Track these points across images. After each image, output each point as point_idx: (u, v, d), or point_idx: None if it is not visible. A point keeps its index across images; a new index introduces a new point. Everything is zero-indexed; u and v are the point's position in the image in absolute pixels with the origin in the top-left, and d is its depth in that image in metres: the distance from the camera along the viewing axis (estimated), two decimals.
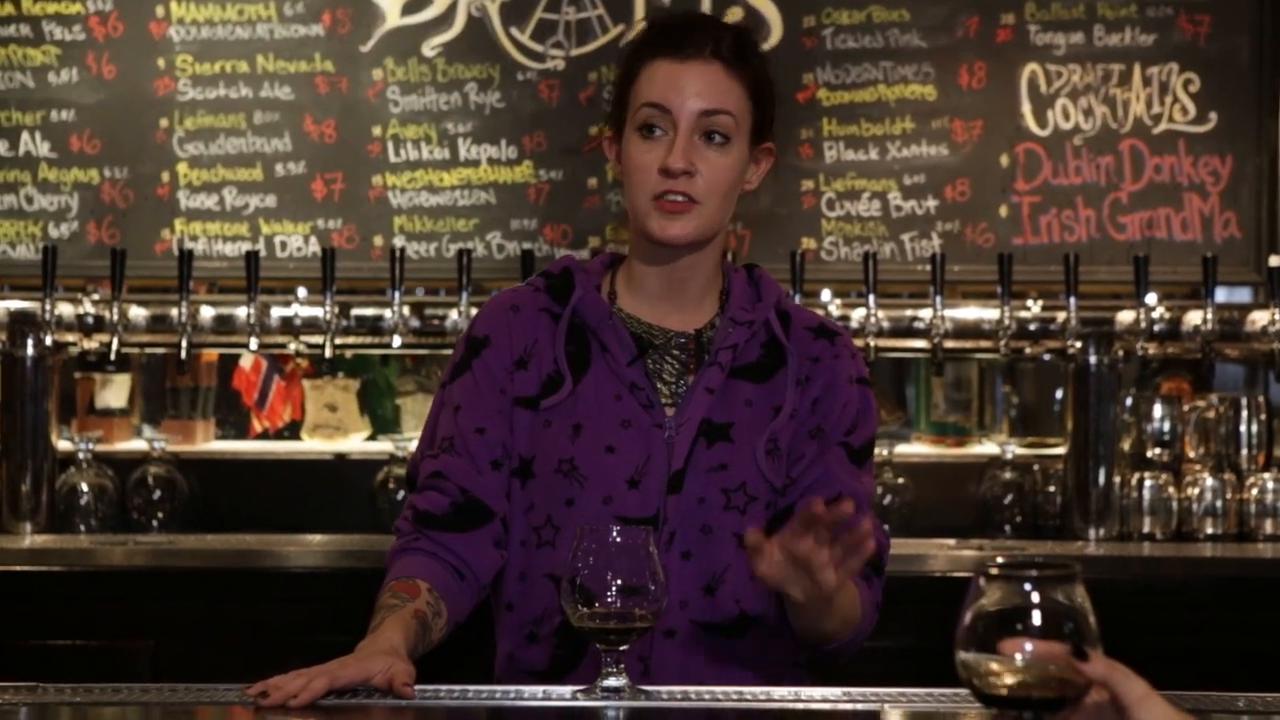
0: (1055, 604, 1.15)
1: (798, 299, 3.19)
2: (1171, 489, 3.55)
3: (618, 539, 1.95)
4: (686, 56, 2.17)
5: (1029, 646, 1.15)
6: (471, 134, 4.00)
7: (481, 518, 2.26)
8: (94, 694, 1.95)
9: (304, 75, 3.99)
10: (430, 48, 3.98)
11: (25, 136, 3.95)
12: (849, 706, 1.92)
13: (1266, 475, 3.51)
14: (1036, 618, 1.14)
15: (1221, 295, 3.74)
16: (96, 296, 3.60)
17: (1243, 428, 3.62)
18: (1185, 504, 3.56)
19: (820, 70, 3.99)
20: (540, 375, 2.29)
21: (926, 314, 3.57)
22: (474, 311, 2.90)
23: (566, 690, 2.00)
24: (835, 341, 2.30)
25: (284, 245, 3.96)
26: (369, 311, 3.63)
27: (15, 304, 3.66)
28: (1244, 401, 3.65)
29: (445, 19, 3.99)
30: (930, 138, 4.00)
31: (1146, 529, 3.53)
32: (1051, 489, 3.71)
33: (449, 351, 2.62)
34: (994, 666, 1.20)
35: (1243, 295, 3.96)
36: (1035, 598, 1.15)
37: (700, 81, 2.17)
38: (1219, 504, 3.53)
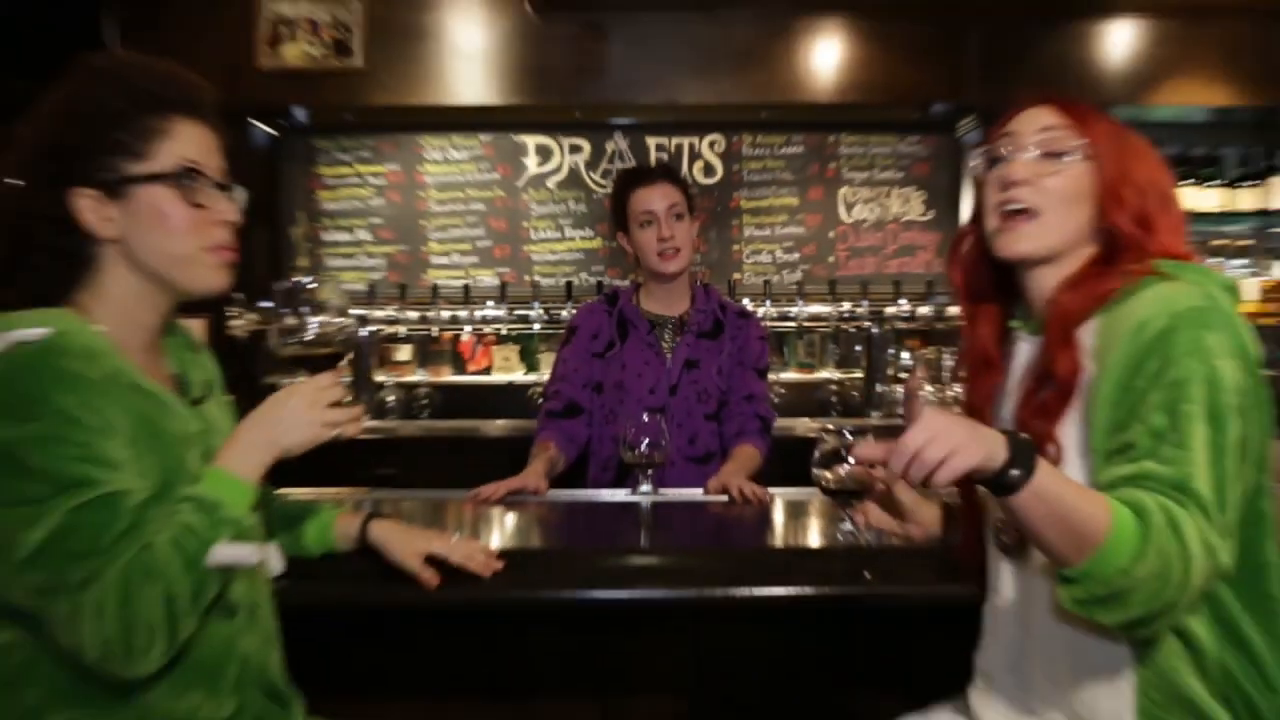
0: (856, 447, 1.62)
1: (730, 300, 3.30)
2: (915, 366, 4.53)
3: (645, 419, 2.53)
4: (654, 183, 2.97)
5: (845, 468, 1.83)
6: (571, 224, 5.29)
7: (577, 412, 2.98)
8: (374, 495, 2.69)
9: (489, 197, 5.26)
10: (551, 183, 5.25)
11: (359, 231, 5.26)
12: (768, 495, 2.60)
13: (956, 386, 3.99)
14: (847, 452, 1.84)
15: (937, 302, 4.83)
16: (393, 309, 4.79)
17: (945, 362, 4.55)
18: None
19: (741, 191, 5.28)
20: (603, 342, 3.02)
21: (794, 309, 4.78)
22: (573, 312, 3.45)
23: (622, 492, 2.68)
24: (749, 319, 3.07)
25: (479, 280, 5.21)
26: (523, 312, 4.76)
27: (355, 311, 4.04)
28: (946, 351, 4.59)
29: (558, 169, 5.25)
30: (794, 224, 5.30)
31: (900, 409, 4.55)
32: (854, 393, 4.88)
33: (562, 332, 3.36)
34: (828, 475, 1.86)
35: (943, 301, 4.82)
36: (846, 443, 1.85)
37: (665, 194, 2.95)
38: (929, 396, 3.94)
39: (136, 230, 1.58)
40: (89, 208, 1.55)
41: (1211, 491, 1.43)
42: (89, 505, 1.41)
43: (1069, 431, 1.58)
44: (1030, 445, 1.42)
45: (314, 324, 1.70)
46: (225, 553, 1.50)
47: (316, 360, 1.71)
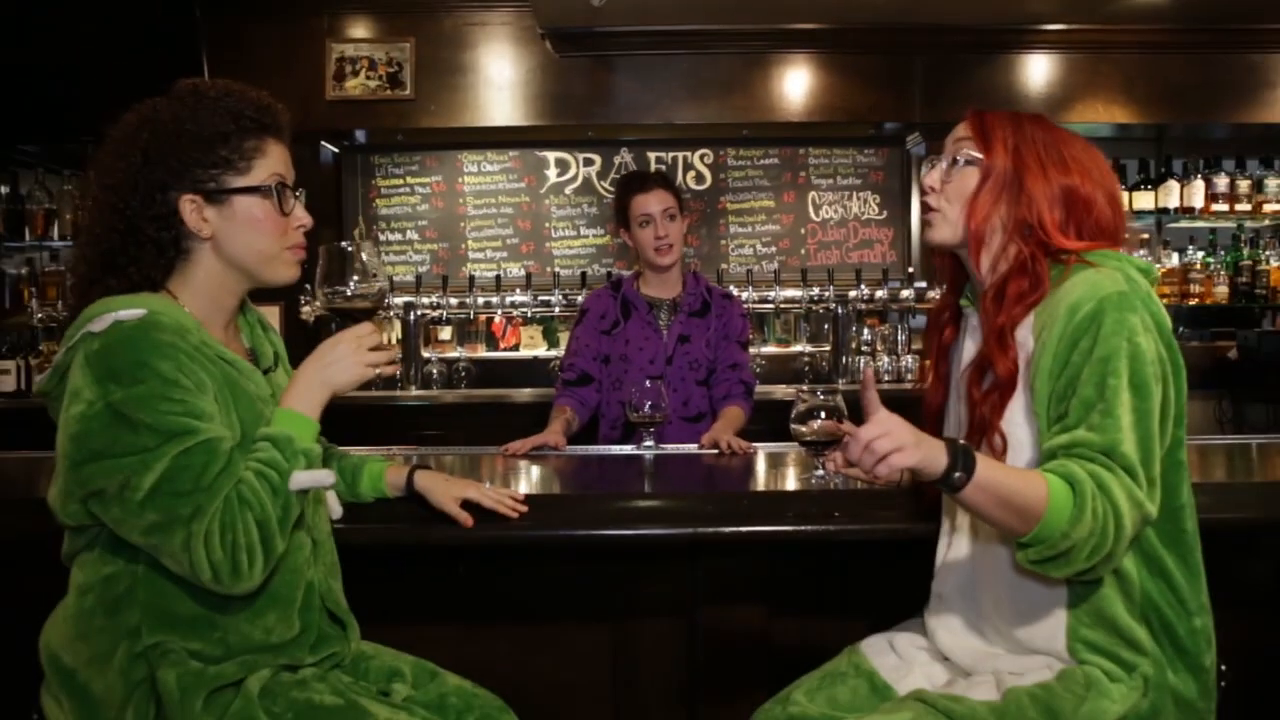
0: (829, 404, 1.91)
1: (715, 284, 3.25)
2: (868, 360, 4.73)
3: (647, 384, 2.59)
4: (650, 189, 2.98)
5: (817, 423, 1.91)
6: (585, 224, 5.27)
7: (589, 381, 3.02)
8: (420, 451, 2.69)
9: (518, 202, 5.24)
10: (569, 189, 5.24)
11: (409, 232, 5.25)
12: (753, 448, 2.61)
13: (908, 357, 4.70)
14: (821, 412, 1.91)
15: (891, 286, 4.75)
16: (436, 297, 4.73)
17: (900, 337, 4.78)
18: (873, 365, 4.70)
19: (726, 196, 5.25)
20: (609, 321, 3.06)
21: (772, 293, 4.71)
22: (585, 296, 3.45)
23: (628, 447, 2.72)
24: (732, 300, 3.12)
25: (509, 271, 5.17)
26: (545, 297, 4.71)
27: (404, 298, 4.67)
28: (899, 328, 4.80)
29: (574, 179, 5.23)
30: (772, 222, 5.28)
31: (860, 376, 4.06)
32: (824, 363, 4.84)
33: (575, 313, 3.48)
34: (804, 429, 1.93)
35: (896, 286, 4.76)
36: (819, 402, 1.91)
37: (660, 199, 2.97)
38: (885, 365, 4.75)
39: (230, 231, 1.60)
40: (191, 210, 1.57)
41: (1136, 451, 1.44)
42: (191, 450, 1.43)
43: (1018, 399, 1.57)
44: (969, 451, 1.45)
45: (353, 282, 1.69)
46: (303, 478, 1.52)
47: (356, 312, 1.70)
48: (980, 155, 1.63)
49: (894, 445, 1.42)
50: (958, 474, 1.42)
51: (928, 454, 1.43)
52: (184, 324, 1.51)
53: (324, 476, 1.55)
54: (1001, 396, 1.56)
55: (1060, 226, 1.58)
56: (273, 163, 1.62)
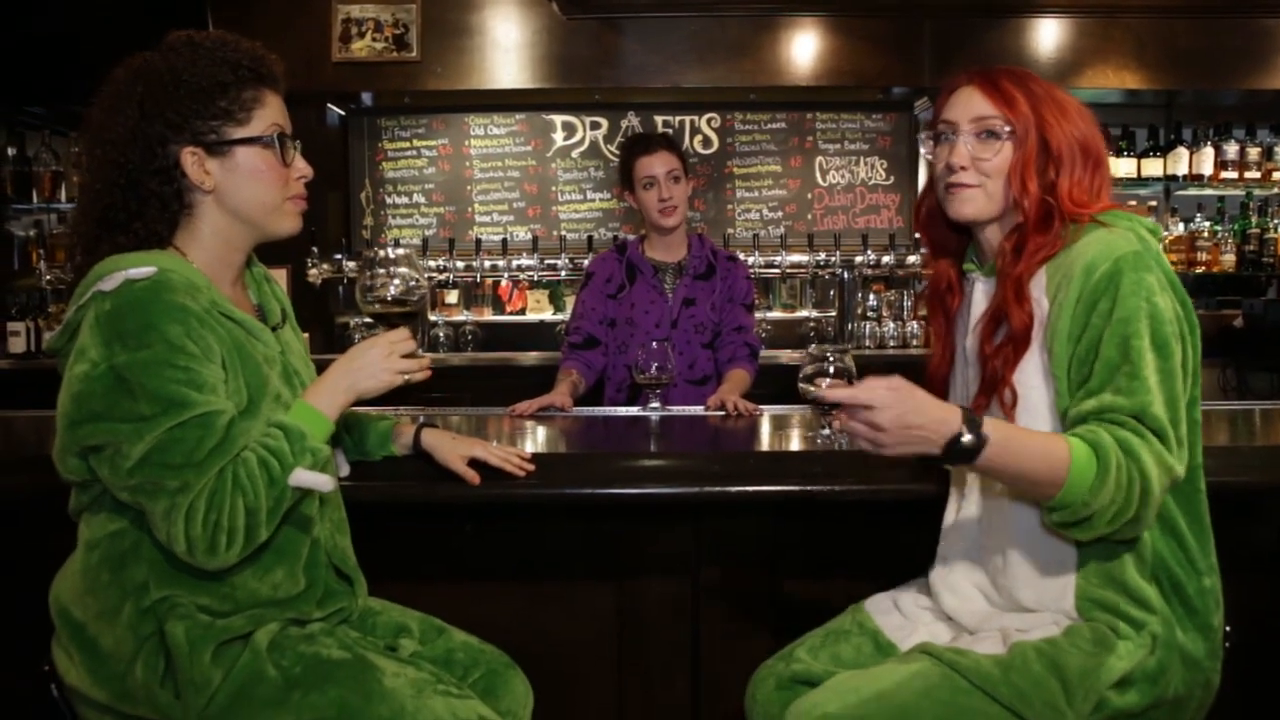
0: (839, 365, 1.89)
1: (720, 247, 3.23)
2: (873, 325, 4.77)
3: (653, 346, 2.59)
4: (654, 151, 2.95)
5: (826, 382, 1.85)
6: (592, 188, 5.25)
7: (595, 344, 3.03)
8: (427, 412, 2.69)
9: (525, 165, 5.21)
10: (575, 153, 5.22)
11: (415, 195, 5.23)
12: (757, 410, 2.60)
13: (914, 323, 4.72)
14: (831, 369, 1.88)
15: (898, 252, 4.77)
16: (443, 260, 4.75)
17: (906, 303, 4.80)
18: (879, 330, 4.76)
19: (733, 160, 5.22)
20: (615, 285, 3.06)
21: (778, 258, 4.75)
22: (590, 260, 3.30)
23: (634, 409, 2.72)
24: (736, 263, 3.11)
25: (515, 235, 5.17)
26: (552, 261, 4.77)
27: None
28: (905, 293, 4.80)
29: (581, 142, 5.21)
30: (779, 186, 5.24)
31: (866, 342, 4.72)
32: (829, 328, 4.83)
33: (581, 277, 3.37)
34: (812, 389, 1.90)
35: (903, 252, 4.78)
36: (829, 361, 1.89)
37: (664, 161, 2.94)
38: (891, 331, 4.77)
39: (232, 182, 1.58)
40: (192, 163, 1.55)
41: (1165, 411, 1.43)
42: (186, 424, 1.42)
43: (1032, 359, 1.55)
44: (975, 422, 1.43)
45: (392, 286, 1.68)
46: (303, 477, 1.50)
47: (392, 317, 1.70)
48: (1010, 126, 1.60)
49: (894, 442, 1.43)
50: (967, 438, 1.40)
51: (926, 449, 1.43)
52: (195, 282, 1.51)
53: (323, 481, 1.53)
54: (1015, 350, 1.55)
55: (1078, 189, 1.57)
56: (271, 113, 1.61)
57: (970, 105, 1.63)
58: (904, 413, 1.39)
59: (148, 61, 1.58)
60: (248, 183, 1.58)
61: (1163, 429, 1.42)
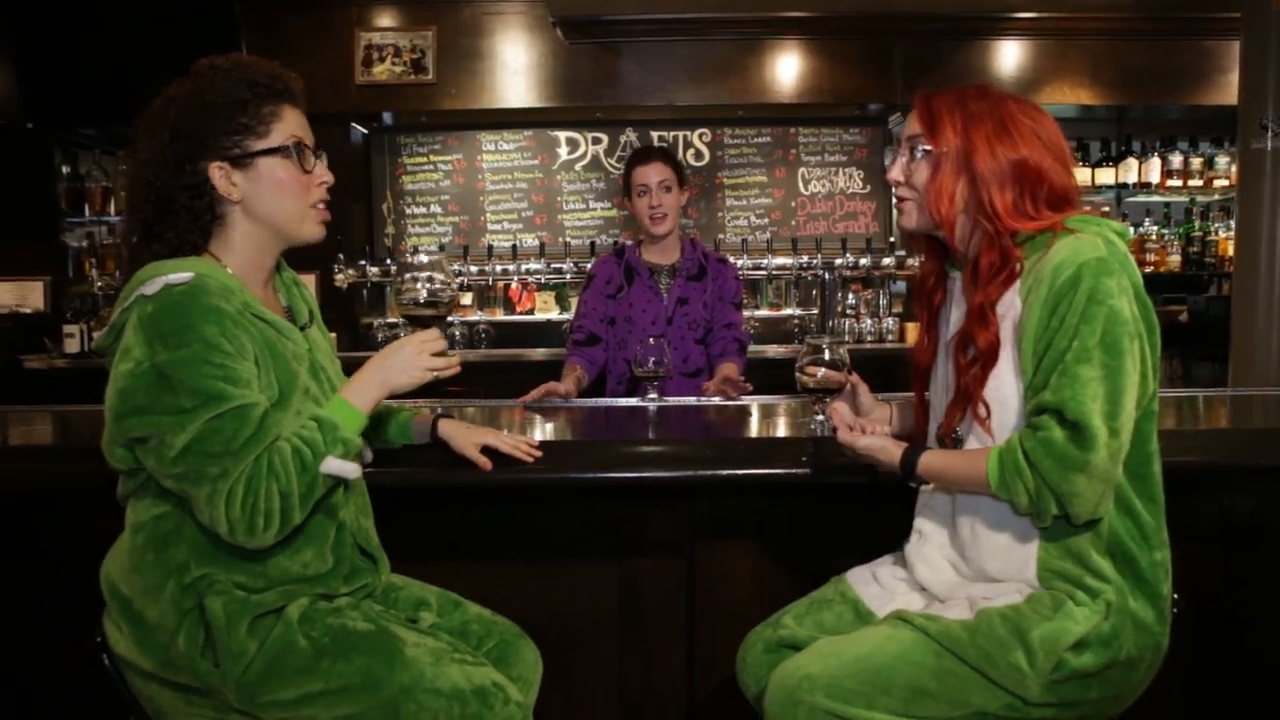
0: (834, 356, 1.87)
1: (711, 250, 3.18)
2: (852, 322, 4.81)
3: (650, 342, 2.59)
4: (649, 162, 2.93)
5: (821, 372, 1.87)
6: (594, 198, 5.25)
7: (596, 341, 3.00)
8: (444, 404, 2.42)
9: (532, 178, 5.21)
10: (578, 166, 5.21)
11: (432, 205, 5.23)
12: (746, 401, 2.61)
13: (889, 319, 4.77)
14: (826, 355, 1.87)
15: (874, 255, 4.82)
16: (458, 265, 4.76)
17: (882, 301, 4.85)
18: (857, 327, 4.79)
19: (723, 171, 5.22)
20: (615, 286, 3.03)
21: (764, 261, 4.77)
22: (592, 264, 3.29)
23: (633, 400, 2.72)
24: (726, 264, 3.09)
25: (524, 241, 5.15)
26: (558, 265, 4.81)
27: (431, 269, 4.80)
28: (880, 290, 4.86)
29: (584, 156, 5.20)
30: (765, 195, 5.24)
31: (846, 337, 4.64)
32: (812, 325, 4.83)
33: (584, 279, 3.30)
34: (807, 377, 1.90)
35: (879, 255, 4.83)
36: (825, 350, 1.88)
37: (658, 171, 2.92)
38: (868, 327, 4.80)
39: (258, 192, 1.58)
40: (220, 176, 1.55)
41: (1098, 404, 1.42)
42: (224, 415, 1.42)
43: (1005, 356, 1.54)
44: (912, 460, 1.62)
45: (423, 290, 1.66)
46: (334, 465, 1.51)
47: (423, 319, 1.68)
48: (929, 147, 1.57)
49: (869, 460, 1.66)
50: (909, 477, 1.63)
51: (887, 462, 1.64)
52: (229, 286, 1.51)
53: (351, 469, 1.54)
54: (983, 369, 1.55)
55: (1012, 208, 1.53)
56: (289, 126, 1.59)
57: (909, 123, 1.63)
58: (875, 451, 1.63)
59: (177, 88, 1.58)
60: (271, 191, 1.58)
61: (1081, 421, 1.42)
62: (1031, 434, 1.46)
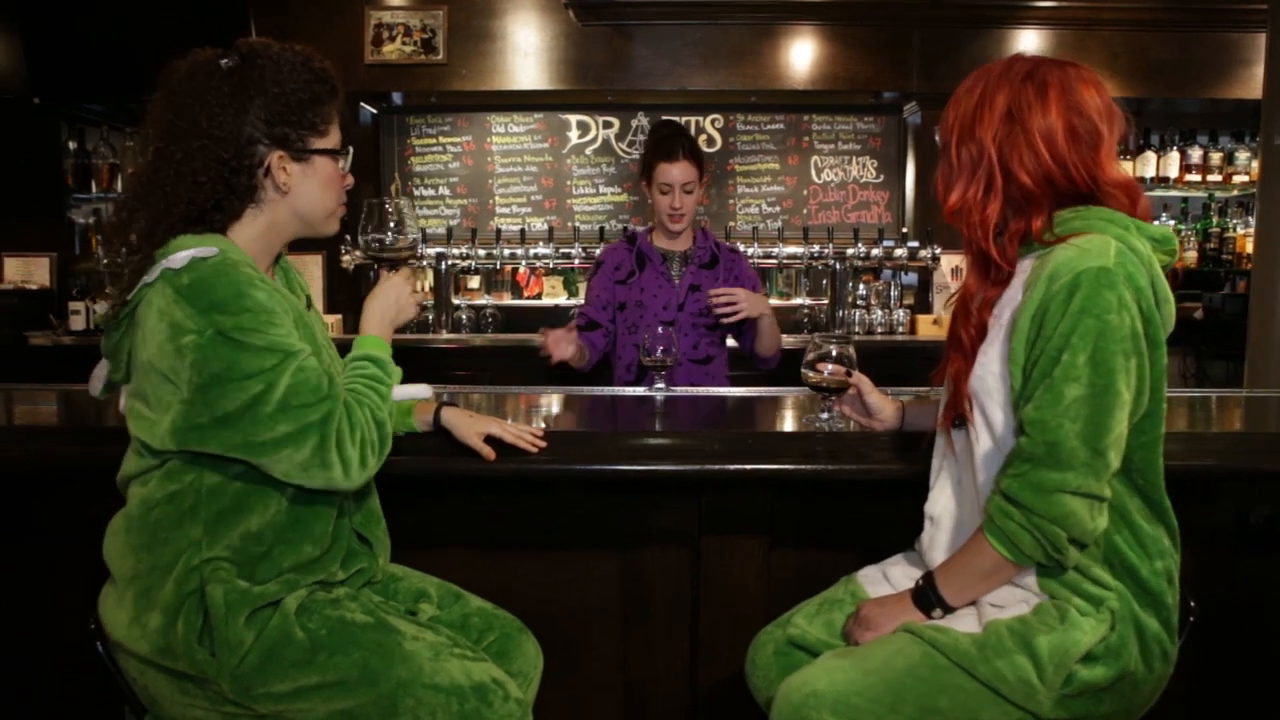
0: (840, 352, 1.86)
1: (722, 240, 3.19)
2: (863, 313, 4.75)
3: (659, 330, 2.55)
4: (676, 160, 2.88)
5: (829, 369, 1.85)
6: (604, 182, 5.23)
7: (595, 327, 2.98)
8: (450, 389, 2.54)
9: (542, 161, 5.20)
10: (589, 150, 5.21)
11: (441, 188, 5.23)
12: (757, 394, 2.53)
13: (900, 311, 4.72)
14: (833, 354, 1.85)
15: (886, 245, 4.71)
16: (466, 248, 4.73)
17: (893, 293, 4.78)
18: (867, 318, 4.74)
19: (735, 158, 5.20)
20: (625, 272, 3.01)
21: (775, 250, 4.71)
22: (601, 250, 3.31)
23: (641, 389, 2.67)
24: (739, 254, 3.09)
25: (533, 226, 5.17)
26: (566, 250, 4.72)
27: (436, 249, 4.72)
28: (891, 283, 4.80)
29: (594, 140, 5.20)
30: (777, 183, 5.22)
31: (856, 329, 4.68)
32: (822, 315, 4.83)
33: (590, 264, 3.48)
34: (814, 375, 1.88)
35: (889, 244, 4.72)
36: (832, 348, 1.85)
37: (683, 172, 2.89)
38: (879, 318, 4.74)
39: (306, 186, 1.60)
40: (279, 165, 1.57)
41: (1078, 425, 1.39)
42: (305, 367, 1.46)
43: (995, 345, 1.50)
44: (927, 595, 1.56)
45: (391, 235, 1.80)
46: (404, 390, 1.65)
47: (394, 260, 1.82)
48: (945, 145, 1.58)
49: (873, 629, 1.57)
50: (935, 610, 1.55)
51: (897, 623, 1.56)
52: (250, 262, 1.52)
53: (421, 390, 1.67)
54: (966, 361, 1.54)
55: (993, 228, 1.50)
56: (338, 128, 1.64)
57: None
58: (884, 621, 1.56)
59: (253, 65, 1.54)
60: (319, 188, 1.61)
61: (1060, 444, 1.39)
62: (1004, 474, 1.45)
